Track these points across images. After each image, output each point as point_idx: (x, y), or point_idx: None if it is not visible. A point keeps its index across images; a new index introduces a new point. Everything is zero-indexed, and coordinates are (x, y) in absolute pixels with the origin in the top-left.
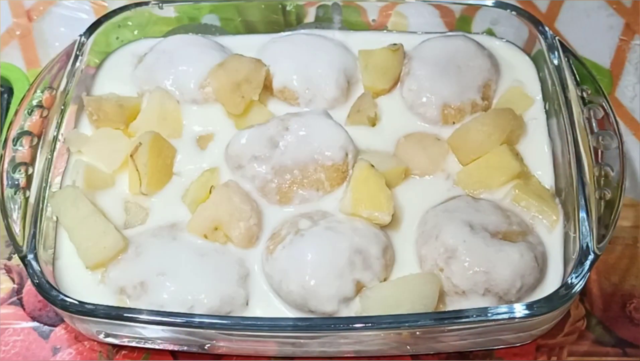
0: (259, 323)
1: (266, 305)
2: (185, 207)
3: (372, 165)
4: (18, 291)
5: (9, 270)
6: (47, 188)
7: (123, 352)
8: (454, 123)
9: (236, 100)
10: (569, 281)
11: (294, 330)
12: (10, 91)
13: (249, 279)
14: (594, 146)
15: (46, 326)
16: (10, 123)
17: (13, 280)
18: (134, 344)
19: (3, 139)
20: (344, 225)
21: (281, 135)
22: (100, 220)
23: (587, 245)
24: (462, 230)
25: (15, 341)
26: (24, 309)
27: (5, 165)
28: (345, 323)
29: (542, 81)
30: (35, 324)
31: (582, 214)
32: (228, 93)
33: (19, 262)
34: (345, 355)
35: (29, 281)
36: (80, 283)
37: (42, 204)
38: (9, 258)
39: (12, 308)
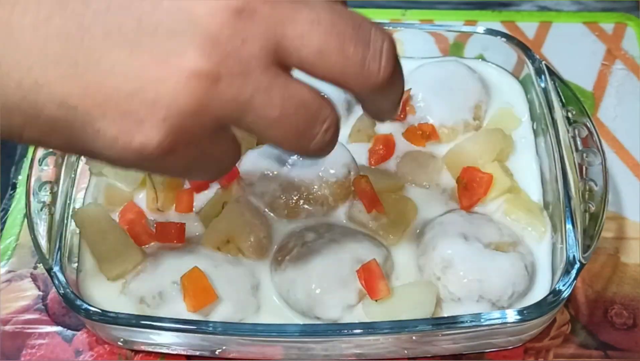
0: (269, 329)
1: (275, 312)
2: (199, 221)
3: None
4: (43, 298)
5: (34, 278)
6: (71, 204)
7: (140, 355)
8: (448, 141)
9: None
10: (557, 288)
11: (301, 335)
12: None
13: (260, 288)
14: (578, 162)
15: (69, 331)
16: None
17: (38, 288)
18: (150, 349)
19: (30, 159)
20: (348, 237)
21: (288, 155)
22: (120, 235)
23: (574, 255)
24: (457, 241)
25: (41, 344)
26: (48, 315)
27: (32, 184)
28: (349, 329)
29: (530, 102)
30: (59, 328)
31: (569, 226)
32: None
33: (44, 270)
34: (347, 358)
35: (53, 289)
36: (102, 293)
37: (67, 220)
38: (35, 268)
39: (37, 314)
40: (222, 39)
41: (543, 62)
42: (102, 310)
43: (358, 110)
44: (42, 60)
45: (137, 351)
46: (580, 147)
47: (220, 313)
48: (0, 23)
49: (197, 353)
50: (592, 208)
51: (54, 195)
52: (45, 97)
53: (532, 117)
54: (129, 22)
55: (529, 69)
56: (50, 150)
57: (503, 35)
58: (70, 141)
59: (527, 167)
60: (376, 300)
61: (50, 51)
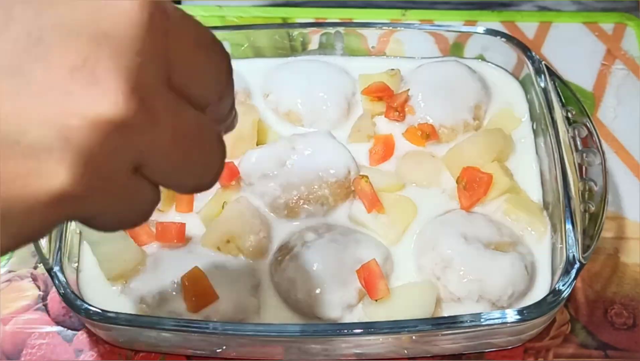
0: (269, 329)
1: (276, 312)
2: (199, 221)
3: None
4: (43, 298)
5: (35, 278)
6: None
7: (141, 354)
8: (448, 141)
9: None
10: (557, 288)
11: (301, 335)
12: None
13: (260, 288)
14: (578, 163)
15: (70, 331)
16: None
17: (39, 288)
18: (150, 349)
19: None
20: (347, 237)
21: (288, 155)
22: (120, 235)
23: (573, 255)
24: (457, 241)
25: (41, 344)
26: (48, 314)
27: None
28: (349, 329)
29: (530, 103)
30: (60, 328)
31: (568, 226)
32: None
33: (44, 270)
34: (347, 358)
35: (53, 289)
36: (102, 293)
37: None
38: (35, 268)
39: (37, 314)
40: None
41: (543, 62)
42: (102, 310)
43: (358, 110)
44: None
45: (137, 351)
46: (580, 147)
47: (221, 313)
48: None
49: (197, 353)
50: (592, 208)
51: None
52: None
53: (532, 117)
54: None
55: (528, 69)
56: None
57: (503, 35)
58: None
59: (527, 167)
60: (376, 300)
61: None
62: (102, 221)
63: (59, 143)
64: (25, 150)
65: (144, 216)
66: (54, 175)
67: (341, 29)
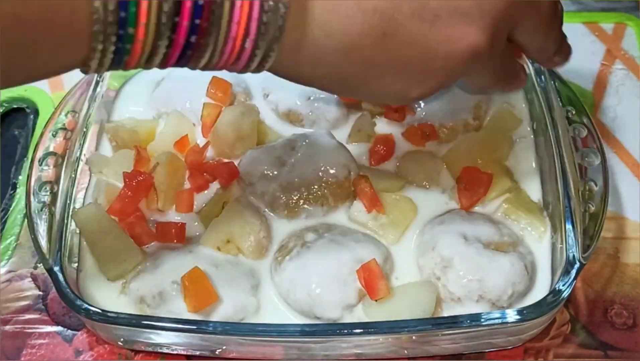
0: (269, 329)
1: (275, 312)
2: (199, 221)
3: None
4: (43, 298)
5: (34, 278)
6: (71, 204)
7: (140, 355)
8: (448, 141)
9: (237, 151)
10: (557, 288)
11: (301, 335)
12: (36, 113)
13: (260, 288)
14: (578, 163)
15: (69, 331)
16: (37, 145)
17: (39, 288)
18: (150, 349)
19: (30, 159)
20: (347, 237)
21: (288, 155)
22: (120, 235)
23: (573, 255)
24: (457, 241)
25: (41, 344)
26: (48, 314)
27: (32, 184)
28: (349, 329)
29: (530, 102)
30: (59, 328)
31: (568, 226)
32: (227, 150)
33: (44, 270)
34: (347, 358)
35: (53, 289)
36: (102, 293)
37: (67, 220)
38: (35, 268)
39: (37, 314)
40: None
41: None
42: (102, 310)
43: (358, 110)
44: (363, 28)
45: (137, 351)
46: (580, 147)
47: (221, 313)
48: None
49: (197, 353)
50: (592, 208)
51: (54, 195)
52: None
53: (532, 117)
54: (431, 4)
55: (528, 69)
56: (51, 150)
57: None
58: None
59: (526, 167)
60: (376, 300)
61: (366, 22)
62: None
63: (476, 11)
64: (447, 20)
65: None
66: (473, 36)
67: None
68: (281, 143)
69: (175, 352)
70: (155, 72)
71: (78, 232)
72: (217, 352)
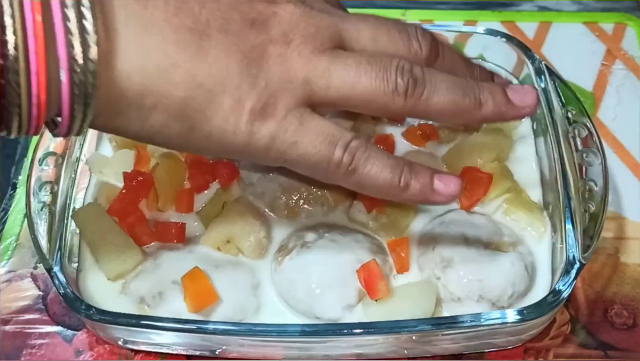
0: (269, 329)
1: (275, 312)
2: (199, 221)
3: None
4: (43, 298)
5: (34, 278)
6: (71, 204)
7: (140, 355)
8: (448, 142)
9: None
10: (557, 288)
11: (301, 335)
12: None
13: (260, 288)
14: (578, 163)
15: (69, 331)
16: (37, 145)
17: (39, 288)
18: (150, 349)
19: (30, 159)
20: (347, 237)
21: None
22: (120, 235)
23: (573, 255)
24: (457, 241)
25: (41, 344)
26: (48, 314)
27: (32, 184)
28: (349, 329)
29: None
30: (59, 328)
31: (568, 226)
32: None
33: (44, 270)
34: (347, 358)
35: (53, 289)
36: (102, 293)
37: (67, 220)
38: (35, 268)
39: (37, 314)
40: None
41: (543, 62)
42: (102, 310)
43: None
44: (175, 46)
45: (137, 351)
46: (580, 147)
47: (221, 313)
48: (136, 15)
49: (197, 353)
50: (592, 208)
51: (54, 195)
52: (179, 77)
53: (532, 117)
54: (235, 17)
55: (528, 69)
56: (51, 150)
57: (503, 35)
58: (192, 126)
59: (527, 167)
60: (376, 300)
61: (180, 39)
62: None
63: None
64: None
65: None
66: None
67: None
68: None
69: (175, 352)
70: None
71: (78, 231)
72: (217, 352)
